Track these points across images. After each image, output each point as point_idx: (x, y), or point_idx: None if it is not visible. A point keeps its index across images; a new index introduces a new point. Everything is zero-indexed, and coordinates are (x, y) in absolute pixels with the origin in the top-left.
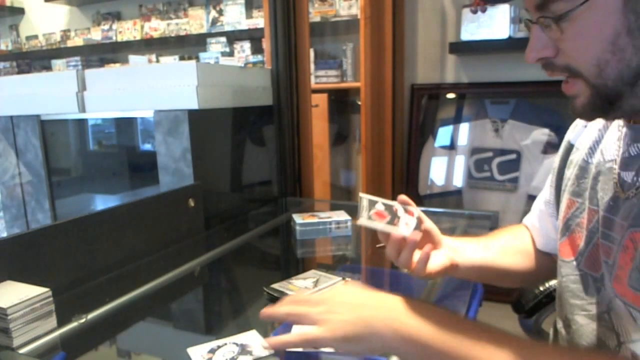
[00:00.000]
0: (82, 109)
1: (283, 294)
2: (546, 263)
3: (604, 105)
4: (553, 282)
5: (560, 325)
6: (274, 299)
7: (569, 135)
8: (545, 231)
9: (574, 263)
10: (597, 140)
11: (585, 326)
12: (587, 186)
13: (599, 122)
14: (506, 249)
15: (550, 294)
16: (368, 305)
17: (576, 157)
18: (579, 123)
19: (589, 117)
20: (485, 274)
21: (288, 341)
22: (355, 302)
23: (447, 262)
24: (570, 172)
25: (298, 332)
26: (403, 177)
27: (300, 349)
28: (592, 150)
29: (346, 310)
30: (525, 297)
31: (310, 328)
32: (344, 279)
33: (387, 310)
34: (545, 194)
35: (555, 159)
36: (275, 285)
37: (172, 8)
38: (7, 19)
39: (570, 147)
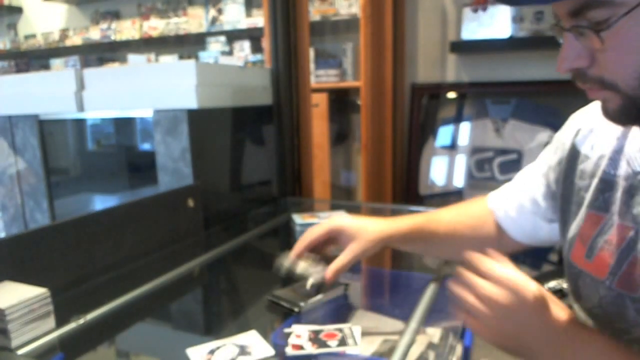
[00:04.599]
0: (81, 108)
1: (287, 301)
2: (511, 245)
3: (638, 113)
4: (554, 283)
5: None
6: (276, 305)
7: (572, 139)
8: (521, 225)
9: (607, 282)
10: (617, 150)
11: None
12: (615, 201)
13: (613, 129)
14: (453, 214)
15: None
16: (534, 340)
17: (589, 167)
18: (582, 127)
19: (622, 123)
20: (425, 241)
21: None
22: (524, 330)
23: (345, 260)
24: (585, 183)
25: (469, 314)
26: (403, 177)
27: (299, 352)
28: (614, 161)
29: (513, 334)
30: None
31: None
32: (345, 288)
33: (554, 345)
34: (534, 193)
35: (549, 157)
36: (279, 293)
37: (171, 7)
38: (5, 17)
39: (576, 154)
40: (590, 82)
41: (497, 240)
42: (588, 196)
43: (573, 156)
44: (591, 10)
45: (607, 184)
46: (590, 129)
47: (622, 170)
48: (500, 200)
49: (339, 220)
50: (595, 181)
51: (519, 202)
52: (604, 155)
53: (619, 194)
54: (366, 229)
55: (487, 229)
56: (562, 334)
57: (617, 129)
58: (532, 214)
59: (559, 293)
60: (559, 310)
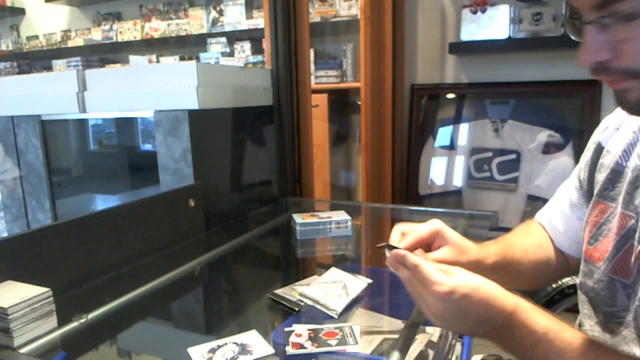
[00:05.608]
0: (83, 109)
1: (287, 300)
2: (563, 262)
3: None
4: (566, 280)
5: (586, 328)
6: (276, 303)
7: (598, 137)
8: (571, 234)
9: (602, 268)
10: (632, 143)
11: (613, 332)
12: (622, 191)
13: (633, 124)
14: (526, 243)
15: (562, 291)
16: (478, 328)
17: (607, 161)
18: (610, 125)
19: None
20: (507, 269)
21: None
22: (467, 323)
23: (445, 257)
24: (602, 176)
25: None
26: (403, 177)
27: (299, 351)
28: (627, 153)
29: (457, 325)
30: (537, 294)
31: None
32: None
33: (493, 335)
34: (571, 197)
35: (582, 160)
36: (279, 291)
37: (172, 8)
38: (7, 19)
39: (600, 150)
40: (613, 74)
41: (564, 263)
42: (600, 187)
43: (597, 153)
44: (618, 3)
45: (617, 174)
46: (617, 126)
47: (632, 162)
48: (545, 213)
49: (443, 226)
50: (607, 172)
51: (560, 210)
52: (620, 149)
53: (625, 185)
54: (469, 246)
55: (548, 252)
56: (498, 319)
57: (637, 123)
58: (578, 220)
59: (572, 289)
60: (493, 299)
